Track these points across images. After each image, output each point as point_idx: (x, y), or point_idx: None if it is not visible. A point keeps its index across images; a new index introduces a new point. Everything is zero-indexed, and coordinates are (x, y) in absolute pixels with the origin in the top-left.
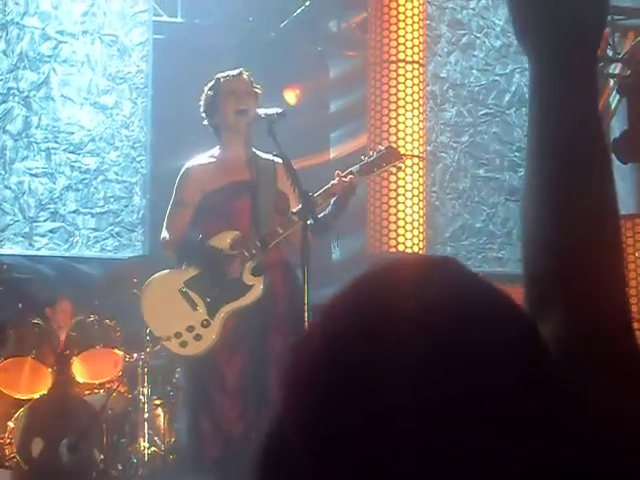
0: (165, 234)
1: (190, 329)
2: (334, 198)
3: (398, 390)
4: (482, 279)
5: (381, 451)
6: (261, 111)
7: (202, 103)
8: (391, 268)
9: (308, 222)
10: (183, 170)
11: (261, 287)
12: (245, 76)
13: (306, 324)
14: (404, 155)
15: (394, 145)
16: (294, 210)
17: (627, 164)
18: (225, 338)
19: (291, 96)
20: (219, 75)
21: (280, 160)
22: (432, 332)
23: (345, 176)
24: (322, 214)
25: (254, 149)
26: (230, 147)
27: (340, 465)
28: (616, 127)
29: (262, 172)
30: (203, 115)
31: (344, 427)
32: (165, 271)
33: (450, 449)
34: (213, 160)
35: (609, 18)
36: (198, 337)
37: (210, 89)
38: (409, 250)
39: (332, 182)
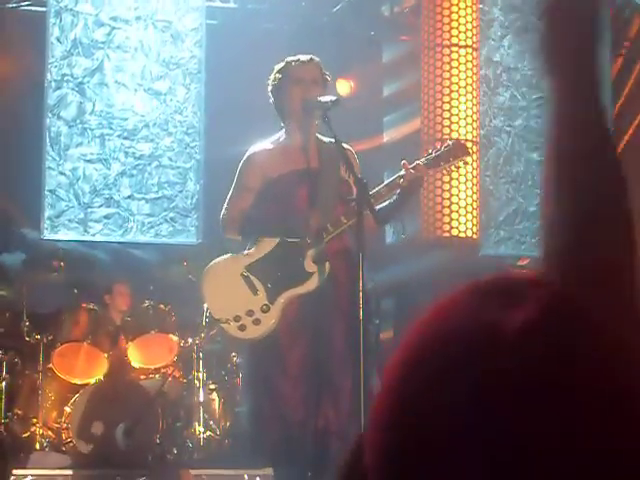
0: (225, 216)
1: (250, 313)
2: (399, 189)
3: (492, 422)
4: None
5: None
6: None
7: (270, 84)
8: (494, 283)
9: (364, 211)
10: (247, 155)
11: (321, 275)
12: (314, 64)
13: (361, 309)
14: (466, 146)
15: (447, 129)
16: (350, 197)
17: None
18: (287, 323)
19: (344, 87)
20: (290, 59)
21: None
22: (529, 362)
23: (413, 168)
24: (387, 203)
25: (319, 135)
26: (294, 134)
27: None
28: None
29: (326, 159)
30: (270, 95)
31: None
32: (227, 255)
33: None
34: (277, 146)
35: None
36: (257, 321)
37: (279, 72)
38: (463, 235)
39: (399, 174)
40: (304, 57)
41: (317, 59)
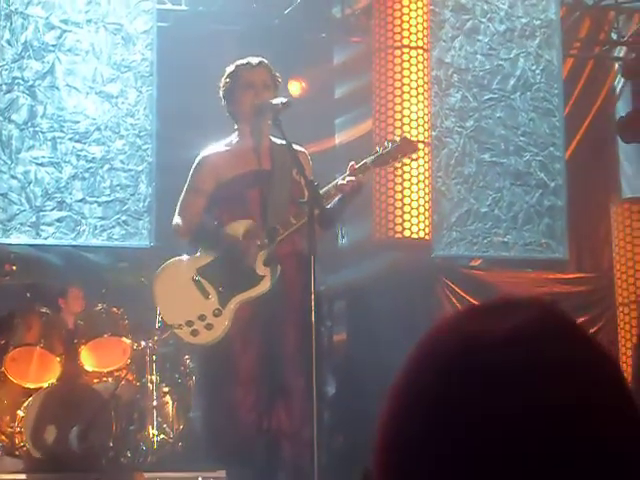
0: (178, 220)
1: (202, 318)
2: (340, 195)
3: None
4: (584, 330)
5: None
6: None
7: (221, 88)
8: (502, 307)
9: (315, 212)
10: (199, 158)
11: (273, 278)
12: (264, 66)
13: (313, 312)
14: (414, 142)
15: (399, 130)
16: (302, 200)
17: (630, 144)
18: (239, 327)
19: (296, 87)
20: (239, 62)
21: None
22: (535, 378)
23: (359, 168)
24: (328, 207)
25: (272, 137)
26: (247, 136)
27: None
28: (621, 110)
29: (278, 161)
30: (221, 98)
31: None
32: (178, 258)
33: None
34: (229, 148)
35: (613, 0)
36: (209, 326)
37: (229, 76)
38: (415, 236)
39: (343, 178)
40: (254, 60)
41: (267, 62)
